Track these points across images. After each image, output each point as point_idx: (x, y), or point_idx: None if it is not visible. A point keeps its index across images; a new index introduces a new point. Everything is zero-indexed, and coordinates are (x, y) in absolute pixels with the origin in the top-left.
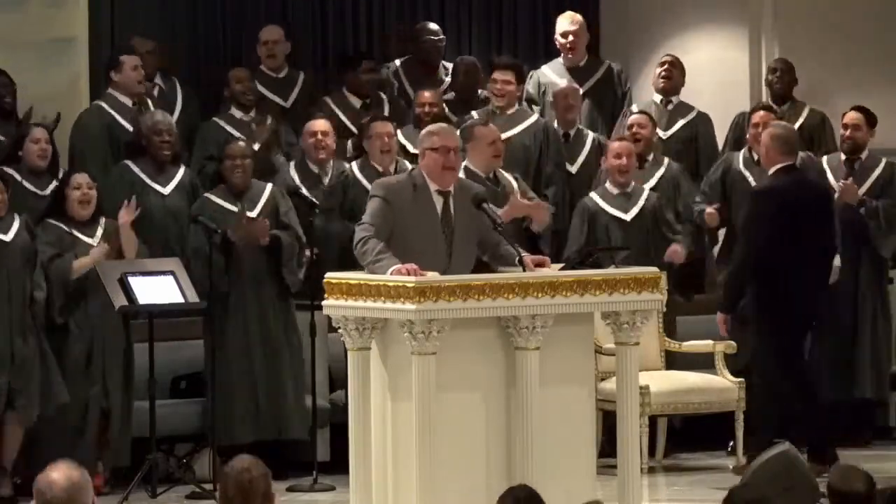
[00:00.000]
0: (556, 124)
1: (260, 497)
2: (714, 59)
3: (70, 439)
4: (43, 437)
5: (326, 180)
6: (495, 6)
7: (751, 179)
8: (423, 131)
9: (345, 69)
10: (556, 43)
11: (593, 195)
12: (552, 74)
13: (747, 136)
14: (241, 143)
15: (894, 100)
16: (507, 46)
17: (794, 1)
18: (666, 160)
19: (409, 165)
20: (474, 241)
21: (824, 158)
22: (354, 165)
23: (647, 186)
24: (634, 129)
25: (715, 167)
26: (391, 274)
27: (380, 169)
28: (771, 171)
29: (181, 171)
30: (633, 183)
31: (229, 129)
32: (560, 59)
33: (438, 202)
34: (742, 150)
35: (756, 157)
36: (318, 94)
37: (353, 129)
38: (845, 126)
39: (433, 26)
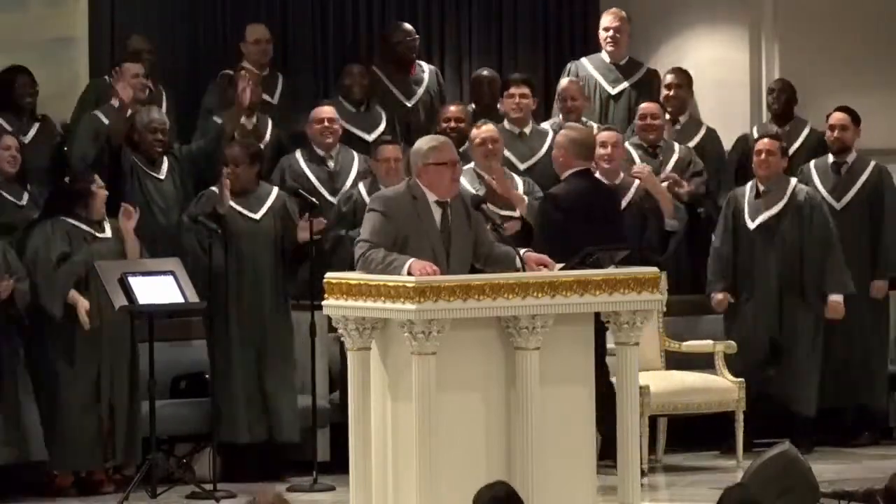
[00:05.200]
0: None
1: None
2: (714, 59)
3: (79, 439)
4: (53, 437)
5: (332, 164)
6: (495, 6)
7: (746, 208)
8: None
9: (338, 76)
10: (599, 37)
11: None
12: (591, 69)
13: (753, 165)
14: (237, 148)
15: (895, 100)
16: (507, 47)
17: (794, 1)
18: (676, 146)
19: None
20: (470, 248)
21: (812, 162)
22: (362, 187)
23: (663, 174)
24: (648, 120)
25: (724, 208)
26: (411, 268)
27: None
28: (564, 175)
29: (165, 160)
30: (621, 175)
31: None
32: (601, 55)
33: (437, 212)
34: (748, 184)
35: (762, 188)
36: (301, 94)
37: (362, 134)
38: (832, 127)
39: (407, 26)
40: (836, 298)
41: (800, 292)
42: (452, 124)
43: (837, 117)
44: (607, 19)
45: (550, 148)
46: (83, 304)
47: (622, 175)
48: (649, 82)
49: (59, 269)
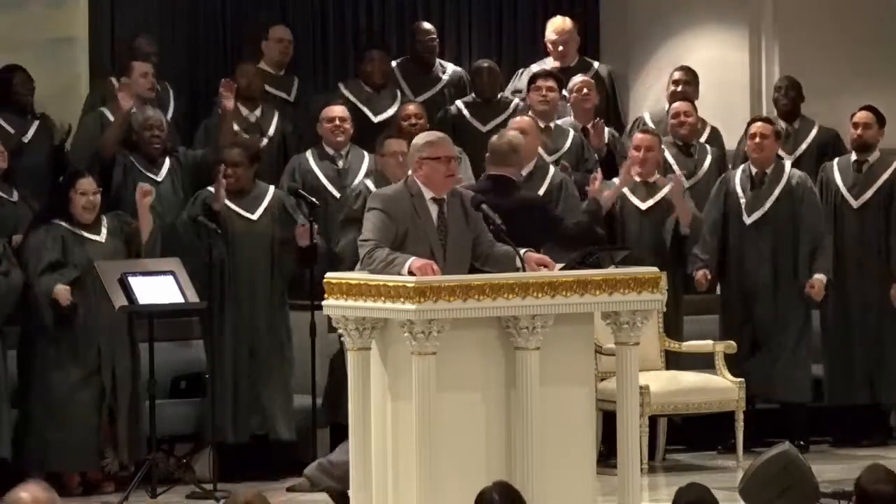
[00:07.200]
0: (572, 118)
1: None
2: (714, 59)
3: (78, 438)
4: (52, 437)
5: (341, 162)
6: (495, 6)
7: (743, 200)
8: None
9: (358, 58)
10: (547, 46)
11: (616, 181)
12: None
13: (746, 149)
14: (236, 150)
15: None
16: (507, 47)
17: (794, 1)
18: (709, 148)
19: None
20: (468, 247)
21: (835, 161)
22: (369, 182)
23: (700, 172)
24: (681, 118)
25: (714, 193)
26: (412, 266)
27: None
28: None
29: (167, 161)
30: (657, 175)
31: (234, 126)
32: (549, 59)
33: (434, 209)
34: (739, 168)
35: (754, 170)
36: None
37: (370, 115)
38: (855, 125)
39: (427, 26)
40: (820, 277)
41: (792, 277)
42: (413, 121)
43: (861, 115)
44: (552, 30)
45: (573, 142)
46: (61, 288)
47: (656, 176)
48: (597, 82)
49: (43, 277)
